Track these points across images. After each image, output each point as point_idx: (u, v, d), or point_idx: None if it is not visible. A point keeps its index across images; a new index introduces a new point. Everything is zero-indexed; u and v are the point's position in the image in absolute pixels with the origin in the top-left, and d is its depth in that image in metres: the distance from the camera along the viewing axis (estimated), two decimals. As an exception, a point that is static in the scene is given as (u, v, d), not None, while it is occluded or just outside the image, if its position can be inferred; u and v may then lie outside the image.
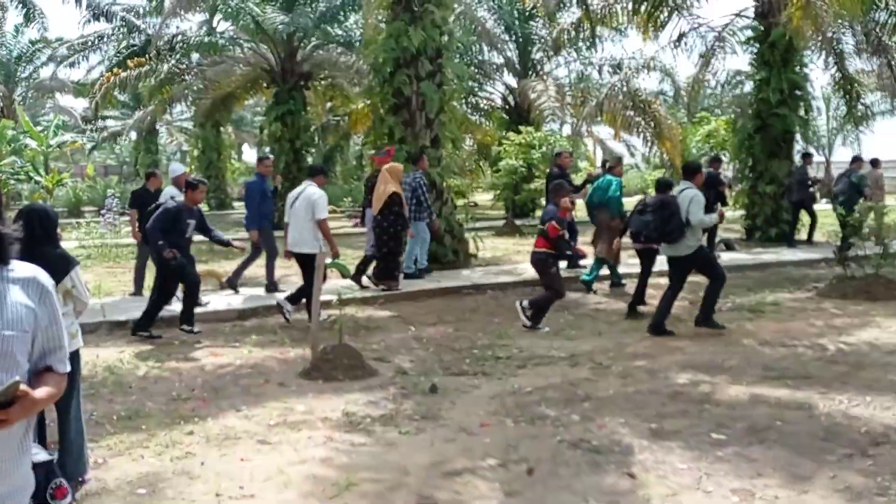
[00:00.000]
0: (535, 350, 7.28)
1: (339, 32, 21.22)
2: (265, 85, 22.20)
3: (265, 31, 19.52)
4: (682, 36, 15.55)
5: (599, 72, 24.35)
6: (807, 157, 15.04)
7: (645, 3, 15.29)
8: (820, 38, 16.24)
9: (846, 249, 10.58)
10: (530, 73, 23.81)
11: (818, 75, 70.96)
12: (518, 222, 18.90)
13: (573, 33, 18.51)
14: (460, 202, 23.31)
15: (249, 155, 50.58)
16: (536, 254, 8.34)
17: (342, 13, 20.26)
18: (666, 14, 15.55)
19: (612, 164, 11.10)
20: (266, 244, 10.15)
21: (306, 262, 8.22)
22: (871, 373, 6.37)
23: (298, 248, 8.51)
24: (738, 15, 16.24)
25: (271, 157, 13.45)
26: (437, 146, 11.91)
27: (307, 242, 8.43)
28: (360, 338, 7.80)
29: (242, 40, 21.77)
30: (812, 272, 11.98)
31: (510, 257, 13.71)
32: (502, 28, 23.78)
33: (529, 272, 11.60)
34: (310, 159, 21.94)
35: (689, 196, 7.76)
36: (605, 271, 10.66)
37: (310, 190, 8.69)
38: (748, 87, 16.30)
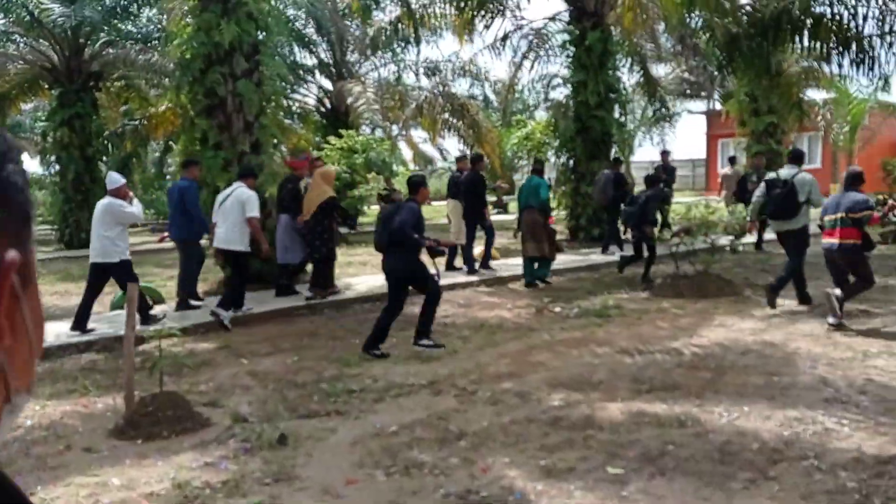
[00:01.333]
0: (391, 378, 6.52)
1: (132, 29, 19.24)
2: (47, 86, 19.67)
3: (43, 26, 17.19)
4: (506, 37, 15.47)
5: (416, 75, 24.04)
6: (617, 162, 15.48)
7: (468, 3, 15.02)
8: (627, 43, 16.93)
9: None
10: (345, 74, 22.99)
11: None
12: (343, 231, 18.04)
13: (390, 33, 17.94)
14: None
15: (31, 165, 45.44)
16: (845, 245, 7.66)
17: (135, 6, 18.33)
18: (490, 16, 15.38)
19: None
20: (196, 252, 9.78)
21: (236, 260, 8.90)
22: (734, 377, 6.25)
23: (228, 245, 8.84)
24: (552, 19, 16.45)
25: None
26: (258, 151, 10.80)
27: (237, 241, 8.79)
28: (184, 378, 6.64)
29: (18, 35, 19.12)
30: (641, 271, 12.21)
31: (341, 271, 12.82)
32: (314, 27, 22.74)
33: (365, 285, 10.91)
34: (103, 168, 19.69)
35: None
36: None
37: (240, 190, 8.92)
38: (565, 90, 16.53)
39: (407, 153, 36.57)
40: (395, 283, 7.38)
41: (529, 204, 10.86)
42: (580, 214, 15.55)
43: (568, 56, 15.98)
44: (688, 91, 30.13)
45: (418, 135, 35.50)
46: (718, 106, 33.54)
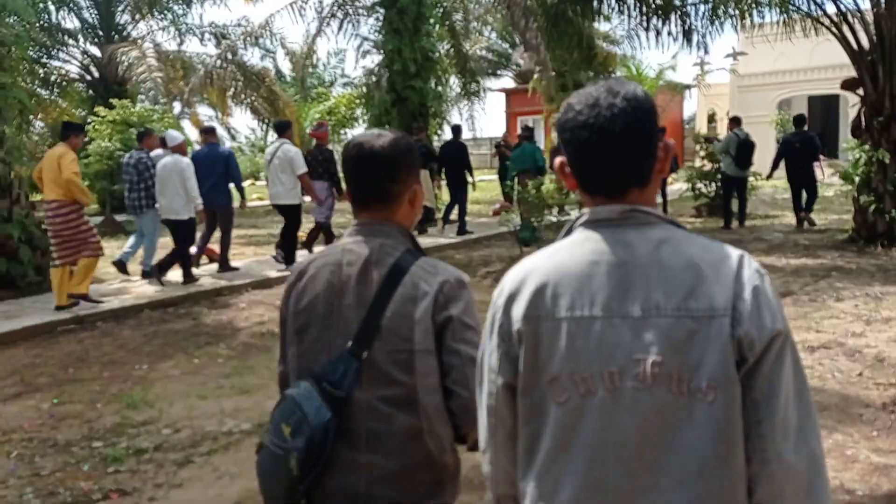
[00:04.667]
0: (200, 422, 4.71)
1: None
2: None
3: None
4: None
5: (201, 40, 21.28)
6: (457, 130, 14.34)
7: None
8: (439, 9, 15.72)
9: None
10: (115, 38, 19.79)
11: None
12: (119, 218, 15.30)
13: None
14: (36, 198, 18.62)
15: None
16: None
17: None
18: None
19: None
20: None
21: (288, 213, 9.48)
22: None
23: (280, 200, 9.41)
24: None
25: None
26: (-6, 118, 8.23)
27: (287, 195, 9.36)
28: None
29: None
30: (477, 254, 11.09)
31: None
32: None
33: (151, 288, 8.76)
34: None
35: None
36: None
37: (285, 147, 9.40)
38: (377, 58, 14.98)
39: (192, 133, 33.29)
40: None
41: (527, 168, 11.66)
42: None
43: (378, 19, 14.47)
44: (487, 69, 29.80)
45: (203, 111, 32.38)
46: (512, 84, 33.79)
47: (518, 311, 1.30)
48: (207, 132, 10.38)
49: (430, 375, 1.64)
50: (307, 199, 10.15)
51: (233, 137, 40.09)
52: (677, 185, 19.58)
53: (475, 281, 9.11)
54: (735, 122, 13.29)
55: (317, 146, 10.81)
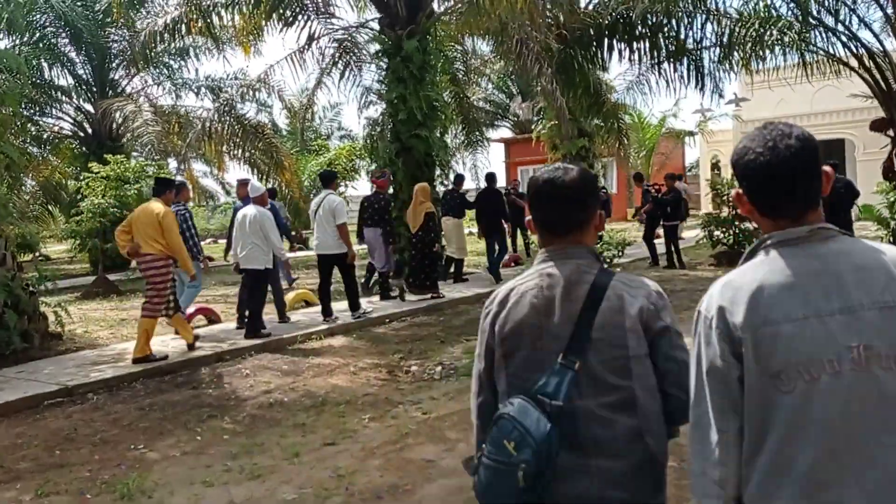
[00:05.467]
0: (206, 518, 4.03)
1: None
2: None
3: None
4: (312, 39, 13.12)
5: (197, 94, 20.94)
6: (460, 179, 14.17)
7: (257, 7, 12.59)
8: (441, 58, 15.41)
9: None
10: (109, 94, 19.44)
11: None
12: (112, 278, 14.66)
13: (167, 40, 15.00)
14: (25, 258, 18.00)
15: None
16: None
17: None
18: (284, 22, 13.00)
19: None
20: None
21: (334, 262, 9.53)
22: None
23: (328, 250, 9.48)
24: (361, 26, 14.49)
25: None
26: (-20, 174, 7.69)
27: (335, 244, 9.41)
28: None
29: None
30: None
31: (114, 331, 9.81)
32: (69, 37, 18.98)
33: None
34: None
35: None
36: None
37: (330, 198, 9.54)
38: (380, 108, 14.55)
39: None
40: None
41: None
42: (405, 248, 13.57)
43: (381, 69, 14.09)
44: (485, 120, 29.64)
45: (198, 167, 32.03)
46: (509, 133, 33.60)
47: (737, 320, 1.54)
48: (245, 184, 9.89)
49: (646, 378, 1.78)
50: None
51: (227, 192, 39.75)
52: (693, 233, 19.15)
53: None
54: None
55: (375, 193, 11.17)
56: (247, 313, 8.79)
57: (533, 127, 34.47)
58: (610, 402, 1.75)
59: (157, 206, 7.75)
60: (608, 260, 8.91)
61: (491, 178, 13.94)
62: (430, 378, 6.92)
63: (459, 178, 14.08)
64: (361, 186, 36.80)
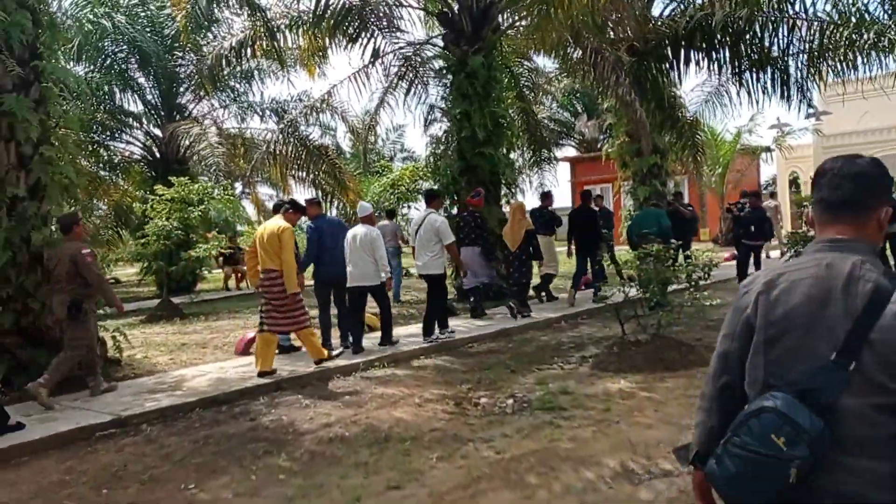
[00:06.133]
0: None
1: None
2: None
3: None
4: (376, 55, 12.83)
5: (262, 117, 21.00)
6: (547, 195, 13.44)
7: (323, 26, 12.37)
8: (508, 73, 14.98)
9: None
10: (176, 118, 19.63)
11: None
12: (177, 301, 14.58)
13: (235, 63, 14.97)
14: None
15: None
16: None
17: None
18: (349, 40, 12.77)
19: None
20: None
21: (434, 282, 9.46)
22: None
23: (427, 270, 9.42)
24: (422, 44, 14.16)
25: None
26: (37, 197, 7.51)
27: (433, 265, 9.37)
28: None
29: None
30: (564, 336, 9.88)
31: (174, 356, 9.56)
32: (136, 62, 19.26)
33: (206, 379, 7.78)
34: None
35: None
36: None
37: (432, 217, 9.43)
38: (444, 125, 14.15)
39: (250, 210, 33.17)
40: None
41: (650, 233, 11.02)
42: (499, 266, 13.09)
43: (445, 85, 13.73)
44: (550, 139, 29.07)
45: (263, 191, 32.34)
46: (574, 152, 32.89)
47: None
48: (316, 204, 9.75)
49: None
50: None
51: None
52: (775, 253, 18.13)
53: (569, 369, 7.88)
54: None
55: (469, 212, 11.24)
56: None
57: (599, 146, 33.87)
58: (878, 403, 1.68)
59: (280, 222, 7.95)
60: (694, 282, 8.15)
61: (586, 196, 13.44)
62: (501, 412, 6.36)
63: (547, 195, 13.38)
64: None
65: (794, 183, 27.36)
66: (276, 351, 8.28)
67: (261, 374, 7.67)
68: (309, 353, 8.05)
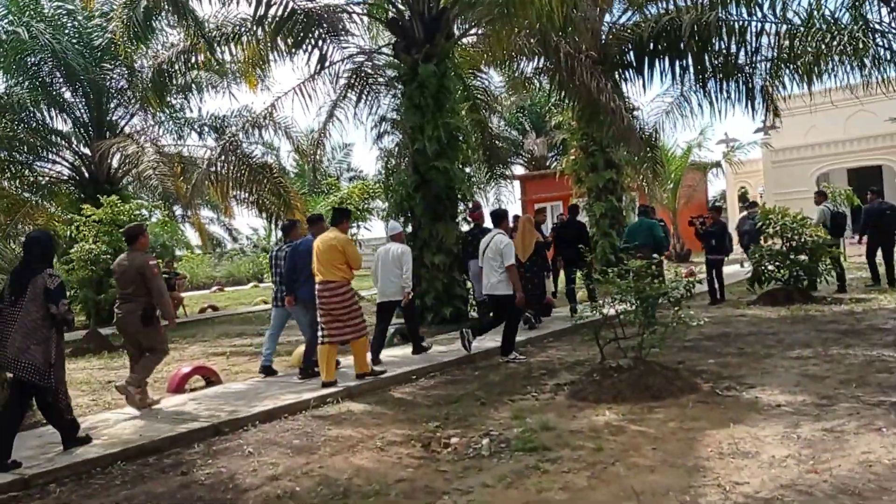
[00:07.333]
0: None
1: None
2: None
3: None
4: (323, 61, 11.90)
5: (200, 134, 19.88)
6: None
7: (278, 20, 11.36)
8: (462, 84, 14.33)
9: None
10: (107, 135, 18.40)
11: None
12: (105, 332, 13.36)
13: (177, 76, 13.94)
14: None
15: None
16: None
17: None
18: (304, 36, 11.81)
19: None
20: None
21: (501, 303, 9.39)
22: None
23: (495, 291, 9.35)
24: (376, 52, 13.40)
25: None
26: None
27: (500, 285, 9.27)
28: None
29: None
30: (534, 361, 9.12)
31: (97, 397, 8.47)
32: (62, 76, 18.00)
33: (130, 427, 6.74)
34: None
35: None
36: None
37: (498, 238, 9.38)
38: (395, 138, 13.35)
39: (191, 235, 31.73)
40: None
41: (642, 244, 11.16)
42: (426, 291, 12.28)
43: (396, 96, 12.96)
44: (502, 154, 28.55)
45: (204, 214, 30.99)
46: (521, 170, 32.46)
47: None
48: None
49: None
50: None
51: (234, 239, 38.67)
52: (731, 268, 17.80)
53: (545, 399, 7.10)
54: (822, 196, 13.55)
55: (475, 226, 11.50)
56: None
57: (548, 163, 33.51)
58: None
59: (338, 234, 8.04)
60: (676, 300, 7.48)
61: (573, 209, 13.28)
62: (476, 454, 5.52)
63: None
64: (375, 227, 35.56)
65: (742, 197, 27.37)
66: (262, 373, 8.69)
67: (324, 385, 7.81)
68: (355, 366, 8.20)
